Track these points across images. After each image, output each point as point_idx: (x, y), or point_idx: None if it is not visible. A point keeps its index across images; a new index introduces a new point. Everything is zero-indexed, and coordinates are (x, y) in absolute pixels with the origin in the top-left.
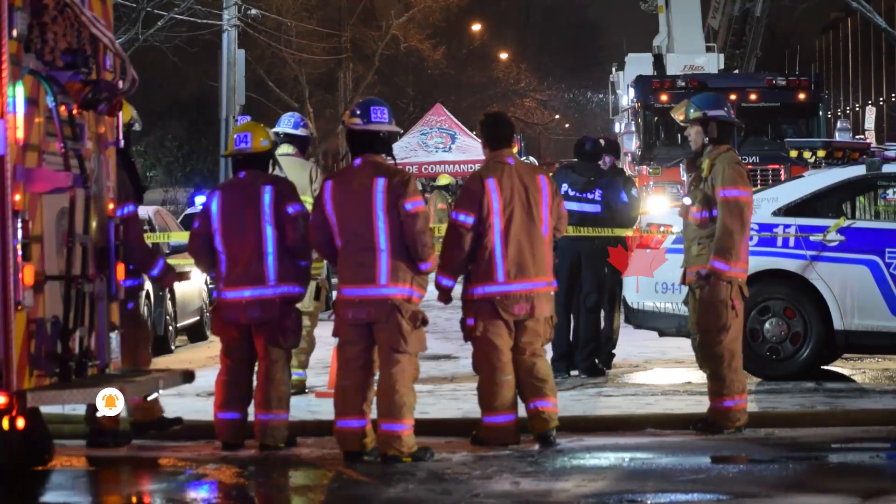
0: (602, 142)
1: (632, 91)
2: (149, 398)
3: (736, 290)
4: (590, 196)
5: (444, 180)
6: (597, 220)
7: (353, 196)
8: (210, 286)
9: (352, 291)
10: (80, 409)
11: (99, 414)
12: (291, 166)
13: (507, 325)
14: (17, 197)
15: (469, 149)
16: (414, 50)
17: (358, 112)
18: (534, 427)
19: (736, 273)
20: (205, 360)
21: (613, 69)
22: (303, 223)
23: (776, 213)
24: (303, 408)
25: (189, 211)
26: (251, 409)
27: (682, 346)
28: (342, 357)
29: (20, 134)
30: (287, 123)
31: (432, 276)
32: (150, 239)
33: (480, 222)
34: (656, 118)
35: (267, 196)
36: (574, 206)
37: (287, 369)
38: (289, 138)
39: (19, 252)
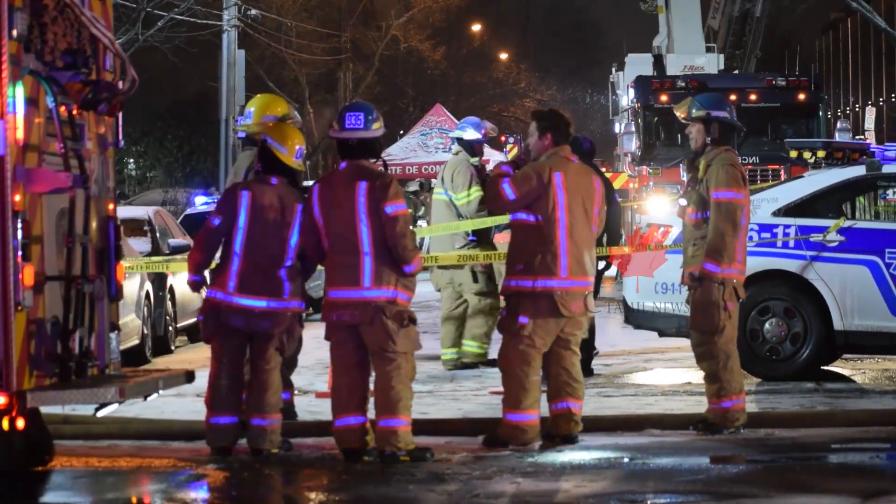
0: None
1: (632, 91)
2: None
3: (729, 292)
4: None
5: None
6: None
7: (338, 200)
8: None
9: (336, 294)
10: (81, 409)
11: (100, 413)
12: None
13: (557, 324)
14: (17, 197)
15: None
16: (414, 50)
17: (337, 119)
18: (560, 427)
19: (728, 275)
20: (205, 360)
21: (613, 69)
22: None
23: (776, 214)
24: (303, 408)
25: (189, 211)
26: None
27: (682, 346)
28: (336, 357)
29: (20, 134)
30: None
31: (424, 275)
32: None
33: (545, 214)
34: (656, 118)
35: (298, 213)
36: None
37: (279, 374)
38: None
39: (19, 252)
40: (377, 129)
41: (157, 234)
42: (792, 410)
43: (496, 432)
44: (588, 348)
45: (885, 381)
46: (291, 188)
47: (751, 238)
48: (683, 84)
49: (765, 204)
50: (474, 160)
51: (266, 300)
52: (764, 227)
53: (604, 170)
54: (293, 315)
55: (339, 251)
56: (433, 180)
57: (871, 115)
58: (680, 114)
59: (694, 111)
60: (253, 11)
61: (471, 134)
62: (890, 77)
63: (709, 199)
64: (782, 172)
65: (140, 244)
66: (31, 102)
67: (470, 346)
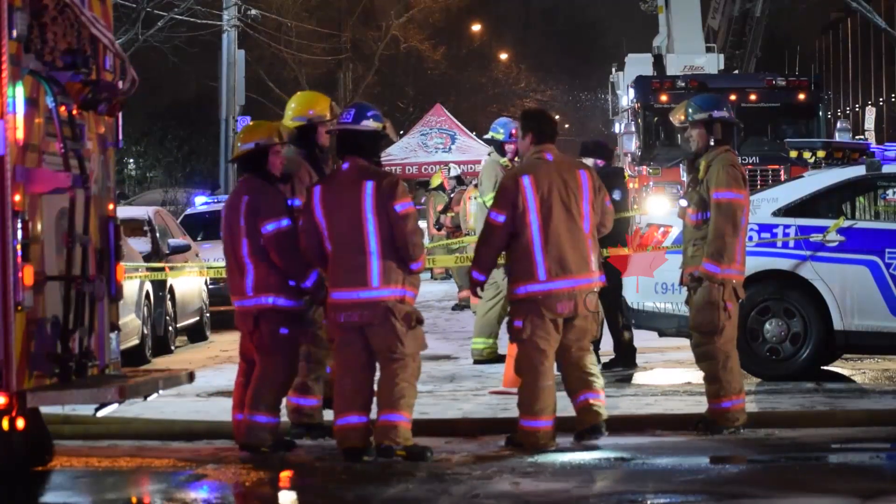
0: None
1: (632, 91)
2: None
3: (729, 292)
4: None
5: (436, 180)
6: None
7: (343, 200)
8: (210, 287)
9: (343, 295)
10: (81, 409)
11: (100, 413)
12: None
13: (555, 325)
14: (17, 197)
15: (469, 149)
16: (414, 50)
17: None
18: (584, 420)
19: (728, 275)
20: (205, 360)
21: (613, 69)
22: (281, 242)
23: (776, 214)
24: None
25: (189, 211)
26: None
27: (682, 346)
28: (340, 358)
29: (20, 134)
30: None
31: (424, 275)
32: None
33: (517, 220)
34: (656, 118)
35: (243, 207)
36: None
37: (280, 373)
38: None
39: (19, 252)
40: (370, 125)
41: (157, 234)
42: (792, 410)
43: (513, 436)
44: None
45: (885, 381)
46: (252, 181)
47: (751, 238)
48: (683, 84)
49: (765, 204)
50: (504, 161)
51: (237, 300)
52: (764, 227)
53: None
54: (260, 311)
55: (345, 252)
56: (429, 180)
57: (871, 115)
58: (678, 117)
59: (695, 115)
60: (253, 11)
61: (499, 135)
62: (890, 77)
63: (709, 200)
64: (782, 172)
65: (140, 244)
66: (31, 102)
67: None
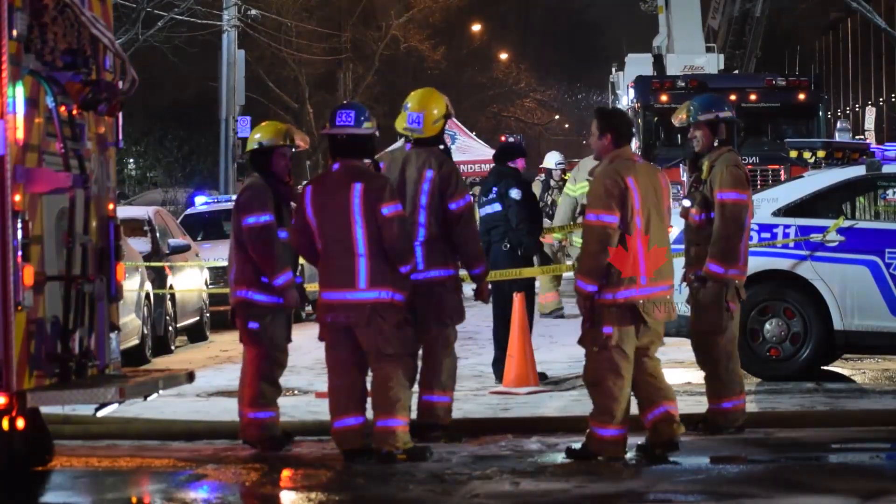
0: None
1: (632, 91)
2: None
3: (732, 293)
4: (490, 196)
5: None
6: (498, 218)
7: (332, 201)
8: (210, 286)
9: (332, 295)
10: (81, 409)
11: (100, 413)
12: None
13: (638, 331)
14: (17, 197)
15: (469, 149)
16: (414, 50)
17: (329, 117)
18: (662, 433)
19: (731, 276)
20: (205, 360)
21: (613, 69)
22: (256, 237)
23: (776, 214)
24: (302, 408)
25: (189, 211)
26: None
27: (682, 346)
28: (332, 359)
29: (20, 134)
30: None
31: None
32: None
33: (622, 222)
34: (656, 118)
35: (236, 208)
36: (483, 209)
37: (253, 365)
38: None
39: (19, 252)
40: (368, 127)
41: (157, 234)
42: (792, 410)
43: (585, 447)
44: None
45: (885, 381)
46: (253, 180)
47: (751, 238)
48: (683, 84)
49: (765, 204)
50: None
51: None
52: (764, 227)
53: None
54: (236, 303)
55: (334, 253)
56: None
57: (871, 115)
58: (680, 118)
59: (700, 115)
60: (253, 11)
61: None
62: (890, 77)
63: (713, 200)
64: (782, 172)
65: (140, 244)
66: (31, 102)
67: None
